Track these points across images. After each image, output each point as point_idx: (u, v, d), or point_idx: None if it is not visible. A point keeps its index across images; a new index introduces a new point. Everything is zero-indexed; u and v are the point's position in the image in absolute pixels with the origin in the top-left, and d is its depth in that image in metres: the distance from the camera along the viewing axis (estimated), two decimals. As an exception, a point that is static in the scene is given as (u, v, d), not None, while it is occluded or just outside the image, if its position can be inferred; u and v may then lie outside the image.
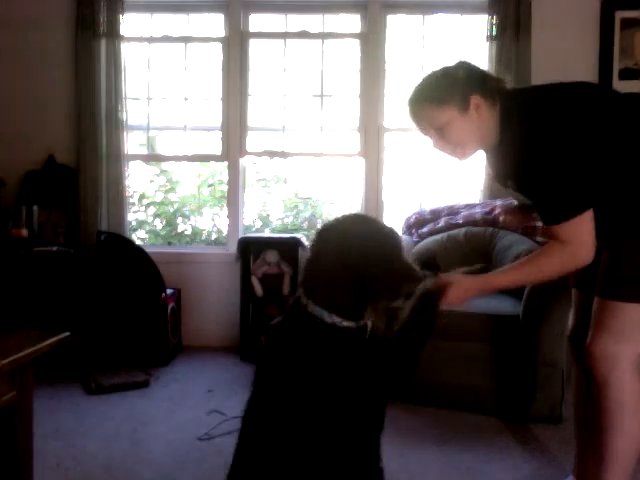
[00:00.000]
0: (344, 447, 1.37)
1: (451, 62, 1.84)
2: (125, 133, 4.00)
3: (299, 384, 1.37)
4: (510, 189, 1.90)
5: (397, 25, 4.07)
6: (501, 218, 2.16)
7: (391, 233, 1.49)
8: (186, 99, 4.18)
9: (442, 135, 1.81)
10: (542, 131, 1.67)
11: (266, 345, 1.51)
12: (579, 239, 1.64)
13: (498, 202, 3.63)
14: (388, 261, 1.43)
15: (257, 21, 4.15)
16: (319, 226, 1.54)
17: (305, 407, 1.37)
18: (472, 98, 1.75)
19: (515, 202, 2.19)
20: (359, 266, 1.38)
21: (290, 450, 1.36)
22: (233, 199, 4.17)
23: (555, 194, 1.64)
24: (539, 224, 3.38)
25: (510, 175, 1.82)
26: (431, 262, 2.99)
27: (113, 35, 3.92)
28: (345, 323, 1.40)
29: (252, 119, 4.15)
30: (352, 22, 4.10)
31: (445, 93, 1.76)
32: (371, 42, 4.02)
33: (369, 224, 1.48)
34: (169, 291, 3.73)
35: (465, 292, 1.71)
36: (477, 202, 3.85)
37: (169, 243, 5.09)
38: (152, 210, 5.26)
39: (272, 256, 3.81)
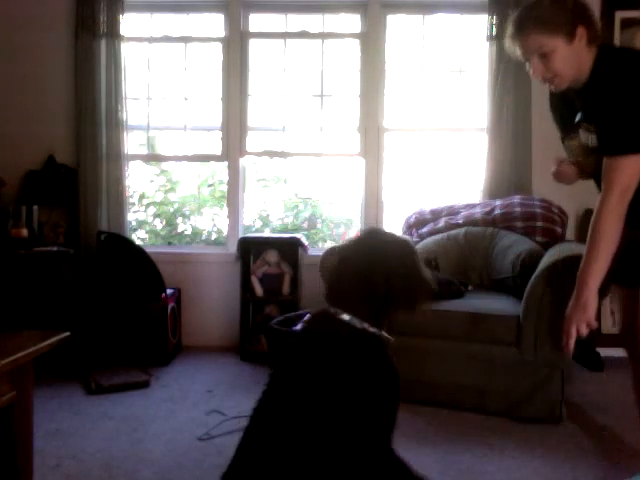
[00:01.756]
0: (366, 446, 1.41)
1: None
2: (125, 133, 4.00)
3: (334, 383, 1.40)
4: (580, 132, 1.96)
5: (397, 25, 4.07)
6: (554, 168, 2.17)
7: (410, 249, 1.54)
8: (186, 99, 4.18)
9: (544, 61, 1.83)
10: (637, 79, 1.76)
11: (295, 348, 1.53)
12: (623, 181, 1.75)
13: (498, 202, 3.64)
14: (407, 276, 1.49)
15: (257, 21, 4.15)
16: (342, 241, 1.59)
17: (336, 406, 1.40)
18: (579, 29, 1.79)
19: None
20: (379, 280, 1.46)
21: (310, 448, 1.39)
22: (233, 199, 4.17)
23: (627, 126, 1.75)
24: (539, 224, 3.39)
25: (593, 110, 1.87)
26: (432, 264, 3.03)
27: (113, 35, 3.92)
28: (372, 329, 1.47)
29: (252, 119, 4.15)
30: (352, 22, 4.10)
31: (556, 20, 1.79)
32: (371, 42, 4.02)
33: (389, 239, 1.54)
34: (169, 291, 3.73)
35: (584, 312, 1.82)
36: (477, 202, 3.85)
37: (169, 243, 5.10)
38: (152, 210, 5.26)
39: (272, 256, 3.81)
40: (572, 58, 1.81)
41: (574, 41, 1.79)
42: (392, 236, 1.56)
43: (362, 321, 1.46)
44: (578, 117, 1.98)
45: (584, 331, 1.85)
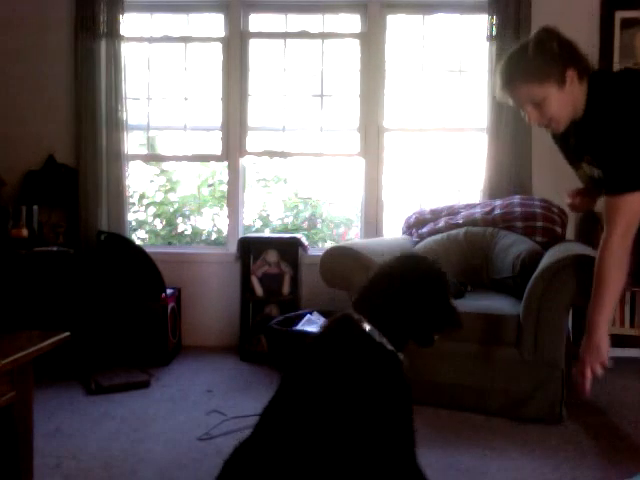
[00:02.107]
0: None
1: (539, 31, 1.84)
2: (125, 133, 4.00)
3: (341, 389, 1.44)
4: (583, 165, 1.95)
5: (397, 25, 4.07)
6: (569, 200, 2.17)
7: (444, 279, 1.58)
8: (186, 99, 4.18)
9: (539, 109, 1.82)
10: (632, 108, 1.74)
11: (309, 351, 1.56)
12: (624, 221, 1.75)
13: (498, 202, 3.63)
14: (437, 303, 1.54)
15: (257, 21, 4.15)
16: (384, 259, 1.61)
17: (341, 411, 1.42)
18: (568, 72, 1.77)
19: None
20: (410, 303, 1.51)
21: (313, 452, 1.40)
22: (233, 199, 4.17)
23: (630, 164, 1.72)
24: (539, 224, 3.39)
25: (591, 146, 1.85)
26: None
27: (113, 35, 3.92)
28: (390, 347, 1.52)
29: (252, 119, 4.15)
30: (352, 22, 4.10)
31: (544, 70, 1.77)
32: (371, 42, 4.02)
33: (426, 266, 1.57)
34: (169, 291, 3.73)
35: (598, 353, 1.87)
36: (477, 202, 3.85)
37: (169, 243, 5.10)
38: (152, 210, 5.26)
39: (272, 256, 3.81)
40: (566, 101, 1.79)
41: (565, 85, 1.77)
42: (430, 263, 1.60)
43: (382, 335, 1.49)
44: (572, 150, 1.98)
45: (599, 372, 1.88)
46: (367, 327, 1.48)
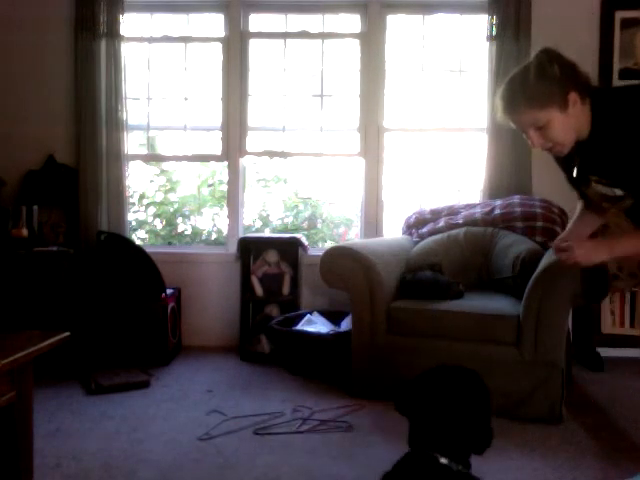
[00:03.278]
0: None
1: (539, 54, 1.81)
2: (125, 133, 4.00)
3: None
4: (592, 184, 1.96)
5: (397, 25, 4.07)
6: (558, 255, 2.16)
7: (489, 398, 1.61)
8: (186, 99, 4.18)
9: (542, 133, 1.80)
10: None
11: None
12: None
13: (498, 202, 3.64)
14: (480, 421, 1.56)
15: (257, 21, 4.15)
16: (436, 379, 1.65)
17: None
18: (570, 95, 1.75)
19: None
20: (469, 424, 1.53)
21: None
22: (233, 199, 4.17)
23: None
24: (539, 224, 3.39)
25: (603, 164, 1.86)
26: (435, 268, 3.04)
27: (113, 35, 3.92)
28: (464, 470, 1.54)
29: (252, 119, 4.15)
30: (352, 22, 4.10)
31: (546, 95, 1.75)
32: (371, 42, 4.02)
33: (474, 383, 1.63)
34: (169, 291, 3.73)
35: (593, 250, 1.88)
36: (477, 202, 3.85)
37: (169, 243, 5.09)
38: (152, 210, 5.25)
39: (272, 256, 3.81)
40: (569, 123, 1.78)
41: (568, 108, 1.75)
42: (478, 381, 1.63)
43: (457, 464, 1.51)
44: (575, 171, 1.97)
45: (566, 259, 1.91)
46: (444, 461, 1.49)
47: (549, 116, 1.76)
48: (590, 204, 2.11)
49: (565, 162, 2.01)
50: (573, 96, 1.75)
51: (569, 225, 2.22)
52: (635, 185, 1.81)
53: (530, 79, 1.77)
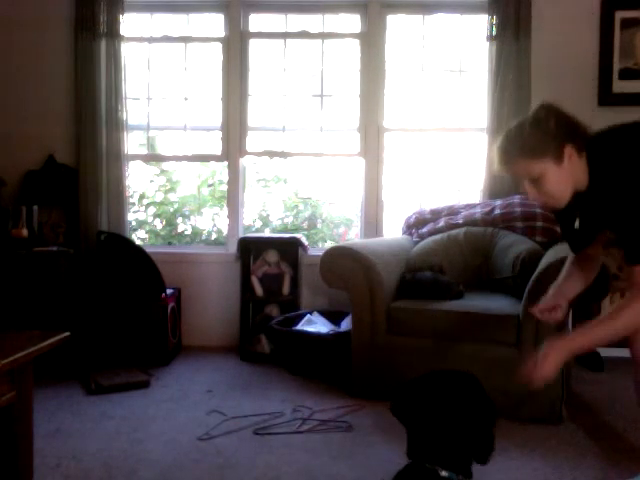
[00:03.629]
0: None
1: (538, 108, 1.83)
2: (125, 133, 4.00)
3: None
4: (593, 236, 1.95)
5: (397, 25, 4.07)
6: (539, 316, 2.10)
7: (488, 403, 1.59)
8: (186, 99, 4.18)
9: (536, 185, 1.80)
10: (634, 169, 1.72)
11: None
12: None
13: (498, 202, 3.64)
14: (480, 430, 1.54)
15: (257, 21, 4.15)
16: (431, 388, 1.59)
17: None
18: (565, 149, 1.75)
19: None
20: (461, 430, 1.52)
21: None
22: (233, 199, 4.17)
23: None
24: (539, 224, 3.39)
25: (602, 217, 1.84)
26: (435, 269, 3.04)
27: (113, 35, 3.92)
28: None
29: (252, 119, 4.15)
30: (352, 22, 4.10)
31: (540, 146, 1.75)
32: (371, 42, 4.02)
33: (473, 390, 1.59)
34: (169, 291, 3.73)
35: (554, 362, 1.75)
36: (477, 202, 3.85)
37: (169, 243, 5.09)
38: (152, 210, 5.25)
39: (272, 256, 3.81)
40: (565, 177, 1.77)
41: (563, 161, 1.75)
42: (480, 389, 1.60)
43: (458, 474, 1.51)
44: (577, 224, 1.97)
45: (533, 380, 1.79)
46: (445, 474, 1.49)
47: (543, 168, 1.75)
48: (582, 253, 2.07)
49: (564, 216, 2.01)
50: (569, 150, 1.75)
51: (557, 281, 2.14)
52: (626, 236, 1.77)
53: (525, 131, 1.79)
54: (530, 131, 1.78)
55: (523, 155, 1.77)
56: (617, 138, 1.83)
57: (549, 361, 1.73)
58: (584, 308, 3.64)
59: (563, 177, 1.77)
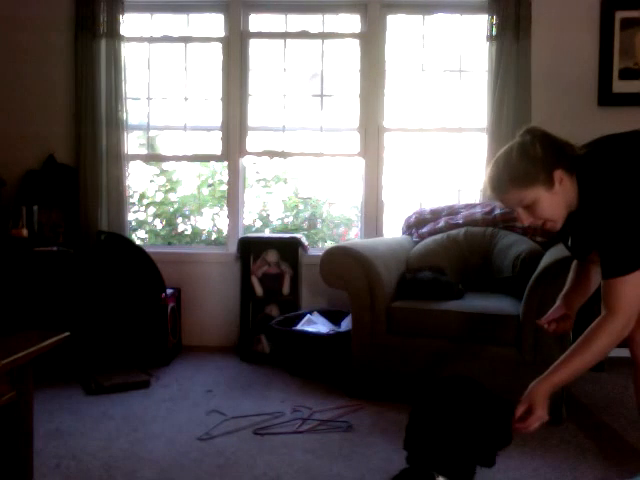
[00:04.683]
0: None
1: (523, 134, 1.81)
2: (125, 133, 4.00)
3: None
4: (585, 255, 1.96)
5: (397, 25, 4.07)
6: (546, 327, 2.13)
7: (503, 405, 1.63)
8: (186, 99, 4.18)
9: (530, 211, 1.79)
10: (618, 184, 1.72)
11: None
12: (627, 302, 1.69)
13: (498, 202, 3.63)
14: (490, 430, 1.57)
15: (257, 21, 4.15)
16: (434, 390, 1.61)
17: None
18: (555, 173, 1.74)
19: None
20: (464, 431, 1.52)
21: None
22: (233, 199, 4.17)
23: (626, 245, 1.68)
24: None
25: (588, 236, 1.84)
26: (433, 269, 3.02)
27: (113, 35, 3.92)
28: None
29: (252, 119, 4.15)
30: (352, 22, 4.10)
31: (529, 174, 1.74)
32: (371, 42, 4.02)
33: (482, 393, 1.63)
34: (169, 291, 3.73)
35: (543, 404, 1.82)
36: (477, 202, 3.86)
37: (169, 243, 5.09)
38: (152, 210, 5.25)
39: (272, 256, 3.81)
40: (557, 200, 1.77)
41: (554, 186, 1.74)
42: (486, 392, 1.64)
43: None
44: (570, 242, 1.98)
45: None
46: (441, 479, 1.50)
47: (535, 195, 1.75)
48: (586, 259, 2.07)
49: (561, 234, 2.02)
50: (558, 174, 1.74)
51: (565, 288, 2.14)
52: (604, 251, 1.77)
53: (513, 160, 1.77)
54: (518, 160, 1.75)
55: (514, 185, 1.75)
56: (602, 157, 1.81)
57: (538, 407, 1.80)
58: (584, 308, 3.64)
59: (556, 201, 1.76)
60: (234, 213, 4.17)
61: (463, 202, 3.92)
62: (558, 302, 2.12)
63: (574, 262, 2.13)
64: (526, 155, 1.75)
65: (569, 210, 1.81)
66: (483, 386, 1.63)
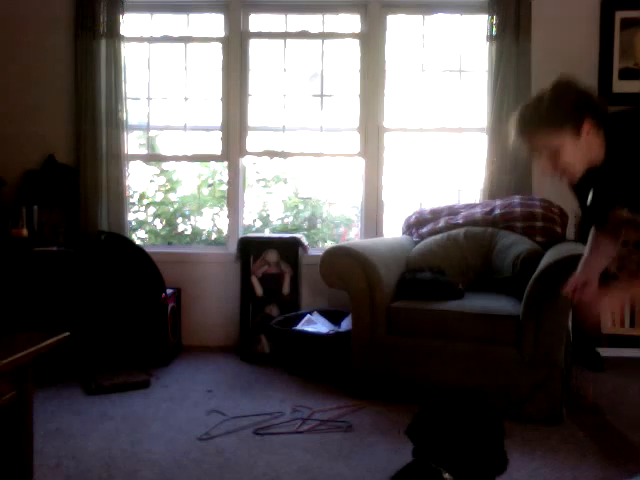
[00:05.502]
0: None
1: (557, 82, 1.82)
2: (125, 133, 4.00)
3: None
4: (606, 211, 1.97)
5: (397, 25, 4.07)
6: (571, 295, 2.10)
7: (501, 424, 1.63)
8: (186, 99, 4.18)
9: (553, 159, 1.80)
10: None
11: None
12: None
13: (498, 202, 3.64)
14: (492, 450, 1.57)
15: (257, 21, 4.15)
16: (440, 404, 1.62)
17: None
18: (584, 123, 1.75)
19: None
20: (467, 447, 1.53)
21: None
22: (233, 199, 4.17)
23: None
24: (539, 224, 3.39)
25: (615, 191, 1.86)
26: (434, 270, 3.02)
27: (113, 35, 3.92)
28: None
29: (252, 119, 4.15)
30: (352, 22, 4.10)
31: (559, 118, 1.75)
32: (371, 42, 4.02)
33: (489, 412, 1.63)
34: (169, 291, 3.73)
35: (597, 284, 1.86)
36: (477, 202, 3.85)
37: (169, 243, 5.09)
38: (152, 210, 5.25)
39: (272, 256, 3.81)
40: (581, 151, 1.78)
41: (581, 135, 1.75)
42: (492, 409, 1.65)
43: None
44: (590, 197, 1.97)
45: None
46: (447, 476, 1.51)
47: (561, 142, 1.76)
48: (605, 226, 2.07)
49: (579, 190, 2.02)
50: (587, 124, 1.76)
51: (584, 255, 2.15)
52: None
53: (545, 104, 1.78)
54: (550, 103, 1.77)
55: (542, 127, 1.76)
56: (637, 117, 1.83)
57: (594, 281, 1.87)
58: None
59: (580, 151, 1.77)
60: (234, 213, 4.17)
61: (463, 202, 3.92)
62: (579, 269, 2.12)
63: (592, 229, 2.13)
64: (559, 100, 1.77)
65: (590, 164, 1.82)
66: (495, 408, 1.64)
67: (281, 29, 4.15)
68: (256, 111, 4.17)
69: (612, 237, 2.08)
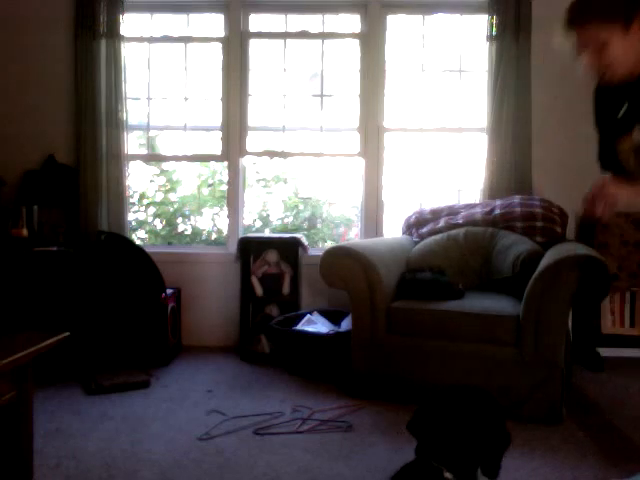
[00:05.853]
0: None
1: None
2: (125, 133, 4.00)
3: None
4: (634, 134, 1.89)
5: (397, 25, 4.07)
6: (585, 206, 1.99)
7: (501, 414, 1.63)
8: (186, 99, 4.18)
9: (598, 53, 1.76)
10: None
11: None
12: None
13: (498, 202, 3.63)
14: (495, 437, 1.58)
15: (257, 21, 4.15)
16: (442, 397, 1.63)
17: None
18: (636, 19, 1.72)
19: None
20: (469, 438, 1.53)
21: None
22: (233, 199, 4.17)
23: None
24: (539, 224, 3.39)
25: None
26: (434, 270, 3.01)
27: (113, 35, 3.92)
28: None
29: (252, 119, 4.15)
30: (352, 22, 4.10)
31: (612, 9, 1.72)
32: (371, 42, 4.02)
33: (490, 404, 1.62)
34: (169, 291, 3.73)
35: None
36: (477, 202, 3.85)
37: (169, 243, 5.09)
38: (152, 210, 5.26)
39: (272, 256, 3.81)
40: (628, 48, 1.74)
41: (630, 32, 1.72)
42: (492, 400, 1.63)
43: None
44: (623, 110, 1.90)
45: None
46: (449, 475, 1.51)
47: (610, 35, 1.72)
48: (619, 170, 1.98)
49: (609, 98, 1.96)
50: (638, 21, 1.72)
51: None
52: None
53: None
54: None
55: (595, 17, 1.74)
56: None
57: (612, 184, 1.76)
58: (584, 308, 3.65)
59: (627, 47, 1.74)
60: (234, 213, 4.17)
61: (463, 202, 3.92)
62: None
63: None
64: None
65: (633, 72, 1.77)
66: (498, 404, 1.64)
67: (281, 29, 4.15)
68: (256, 111, 4.17)
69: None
